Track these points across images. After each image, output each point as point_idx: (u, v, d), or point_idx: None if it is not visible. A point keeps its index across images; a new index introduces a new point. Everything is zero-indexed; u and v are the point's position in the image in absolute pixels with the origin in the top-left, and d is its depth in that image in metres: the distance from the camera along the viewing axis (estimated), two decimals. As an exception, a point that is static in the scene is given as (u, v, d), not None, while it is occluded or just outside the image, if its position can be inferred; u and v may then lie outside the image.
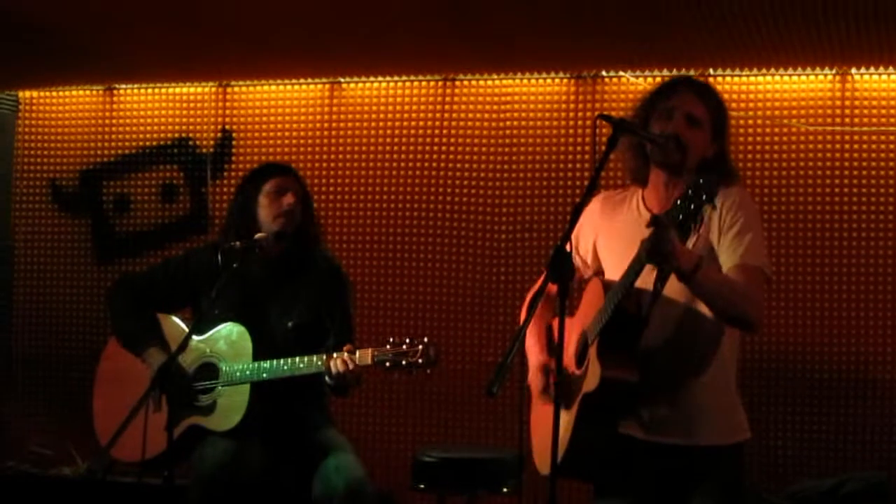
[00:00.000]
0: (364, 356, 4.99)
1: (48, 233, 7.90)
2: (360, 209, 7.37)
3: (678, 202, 3.64)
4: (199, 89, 7.67)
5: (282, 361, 5.13)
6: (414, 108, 7.31)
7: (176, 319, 5.55)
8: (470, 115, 7.22)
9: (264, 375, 5.16)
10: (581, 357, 4.13)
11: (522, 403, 4.51)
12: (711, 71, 6.70)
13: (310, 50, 6.73)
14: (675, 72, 6.65)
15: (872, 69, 6.57)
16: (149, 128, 7.75)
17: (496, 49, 6.55)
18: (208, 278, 5.21)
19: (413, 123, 7.31)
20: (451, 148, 7.24)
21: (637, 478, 4.15)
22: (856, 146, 6.63)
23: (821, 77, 6.68)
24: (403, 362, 4.96)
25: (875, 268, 6.58)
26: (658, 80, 6.55)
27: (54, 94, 7.92)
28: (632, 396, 4.02)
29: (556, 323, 4.11)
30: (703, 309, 3.99)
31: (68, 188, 7.88)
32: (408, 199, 7.30)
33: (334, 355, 5.01)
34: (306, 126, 7.47)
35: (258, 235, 5.21)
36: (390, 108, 7.35)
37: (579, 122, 7.02)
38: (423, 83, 7.30)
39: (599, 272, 4.37)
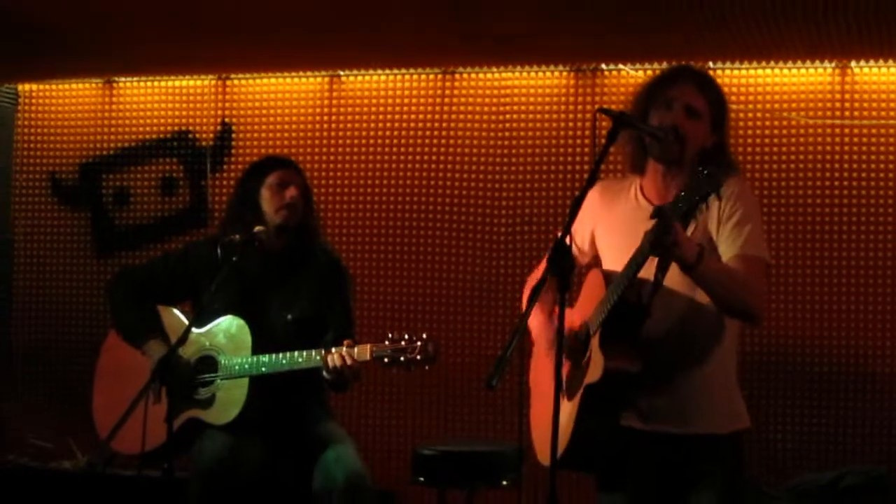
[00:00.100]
0: (363, 352, 4.99)
1: (48, 226, 7.90)
2: (359, 202, 7.37)
3: (683, 193, 3.63)
4: (199, 82, 7.67)
5: (280, 356, 5.13)
6: (413, 101, 7.31)
7: (176, 312, 5.55)
8: (469, 109, 7.22)
9: (263, 369, 5.16)
10: (583, 348, 4.12)
11: (522, 397, 4.51)
12: (711, 64, 6.68)
13: (309, 43, 6.73)
14: (674, 64, 6.63)
15: (872, 62, 6.57)
16: (148, 121, 7.75)
17: (496, 42, 6.54)
18: (208, 272, 5.20)
19: (412, 117, 7.30)
20: (451, 141, 7.24)
21: (637, 468, 4.15)
22: (855, 139, 6.63)
23: (820, 70, 6.68)
24: (402, 359, 4.95)
25: (875, 261, 6.59)
26: (658, 72, 6.57)
27: (54, 87, 7.92)
28: (634, 387, 4.02)
29: (556, 314, 4.12)
30: (705, 299, 3.98)
31: (68, 181, 7.88)
32: (407, 193, 7.30)
33: (332, 350, 5.01)
34: (306, 119, 7.47)
35: (257, 229, 5.20)
36: (390, 101, 7.35)
37: (579, 116, 7.02)
38: (423, 76, 7.30)
39: (596, 260, 4.38)
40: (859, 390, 6.57)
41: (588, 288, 4.20)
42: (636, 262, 3.81)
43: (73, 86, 7.88)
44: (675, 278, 3.88)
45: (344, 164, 7.40)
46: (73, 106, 7.89)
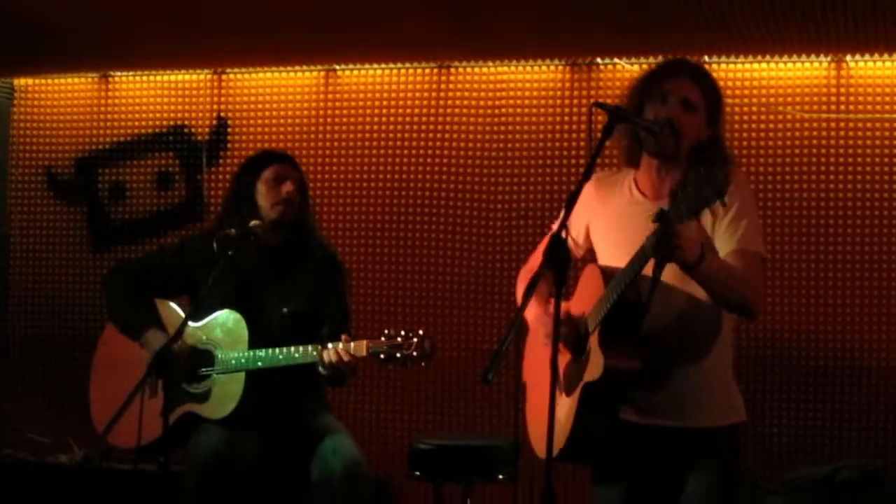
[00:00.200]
0: (359, 348, 4.99)
1: (44, 220, 7.90)
2: (355, 196, 7.37)
3: (685, 196, 3.59)
4: (195, 77, 7.67)
5: (277, 351, 5.13)
6: (409, 95, 7.31)
7: (173, 305, 5.55)
8: (465, 103, 7.22)
9: (259, 364, 5.16)
10: (581, 345, 4.12)
11: (518, 391, 4.51)
12: (706, 58, 6.68)
13: (305, 37, 6.72)
14: (670, 58, 6.64)
15: (867, 56, 6.58)
16: (144, 115, 7.75)
17: (491, 36, 6.55)
18: (204, 266, 5.20)
19: (408, 111, 7.30)
20: (447, 135, 7.24)
21: (634, 461, 4.16)
22: (850, 133, 6.63)
23: (816, 64, 6.69)
24: (398, 355, 4.96)
25: (870, 255, 6.59)
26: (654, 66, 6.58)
27: (49, 81, 7.92)
28: (633, 383, 4.02)
29: (551, 306, 4.12)
30: (702, 294, 3.98)
31: (64, 176, 7.87)
32: (403, 187, 7.30)
33: (329, 346, 5.01)
34: (301, 113, 7.47)
35: (253, 223, 5.19)
36: (385, 95, 7.35)
37: (574, 110, 7.02)
38: (419, 70, 7.30)
39: (591, 254, 4.37)
40: (855, 384, 6.58)
41: (585, 283, 4.20)
42: (637, 263, 3.79)
43: (69, 80, 7.88)
44: (672, 274, 3.88)
45: (340, 159, 7.40)
46: (69, 100, 7.88)
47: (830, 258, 6.64)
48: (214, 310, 5.35)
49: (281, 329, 5.30)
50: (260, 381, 5.18)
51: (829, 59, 6.64)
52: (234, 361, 5.22)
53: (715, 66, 6.70)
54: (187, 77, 7.68)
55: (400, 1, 5.91)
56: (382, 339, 4.98)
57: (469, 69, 7.22)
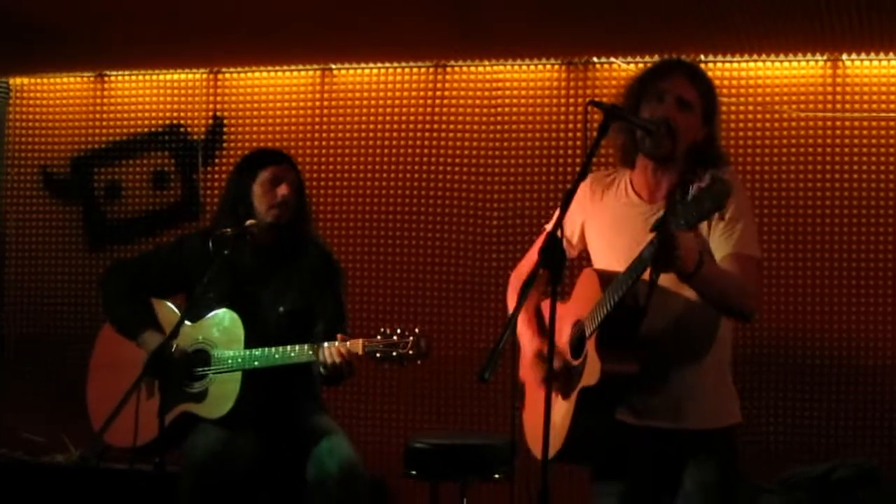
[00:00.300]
0: (354, 347, 4.98)
1: (39, 220, 7.90)
2: (351, 196, 7.37)
3: (682, 206, 3.55)
4: (190, 76, 7.66)
5: (273, 350, 5.13)
6: (405, 94, 7.31)
7: (170, 305, 5.54)
8: (461, 102, 7.22)
9: (255, 363, 5.16)
10: (577, 347, 4.12)
11: (514, 390, 4.51)
12: (703, 57, 6.69)
13: (301, 36, 6.72)
14: (666, 57, 6.62)
15: (864, 55, 6.58)
16: (140, 114, 7.75)
17: (487, 35, 6.55)
18: (200, 264, 5.19)
19: (404, 110, 7.31)
20: (443, 134, 7.24)
21: (633, 461, 4.16)
22: (847, 132, 6.64)
23: (812, 63, 6.69)
24: (394, 353, 4.95)
25: (867, 253, 6.60)
26: (649, 65, 6.58)
27: (45, 80, 7.91)
28: (631, 388, 4.02)
29: (545, 306, 4.12)
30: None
31: (59, 175, 7.87)
32: (399, 186, 7.30)
33: (326, 345, 5.00)
34: (297, 113, 7.47)
35: (249, 222, 5.19)
36: (381, 94, 7.35)
37: (570, 109, 7.02)
38: (415, 70, 7.30)
39: (585, 254, 4.37)
40: (851, 383, 6.59)
41: (582, 287, 4.19)
42: (635, 270, 3.77)
43: (65, 79, 7.88)
44: (669, 277, 3.87)
45: (336, 158, 7.40)
46: (65, 99, 7.88)
47: (826, 257, 6.64)
48: (211, 309, 5.35)
49: (277, 328, 5.30)
50: (256, 381, 5.18)
51: (825, 58, 6.64)
52: (230, 361, 5.21)
53: (711, 66, 6.71)
54: (183, 76, 7.68)
55: (396, 0, 5.91)
56: (378, 337, 4.97)
57: (465, 68, 7.22)
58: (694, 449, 4.10)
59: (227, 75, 7.59)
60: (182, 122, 7.67)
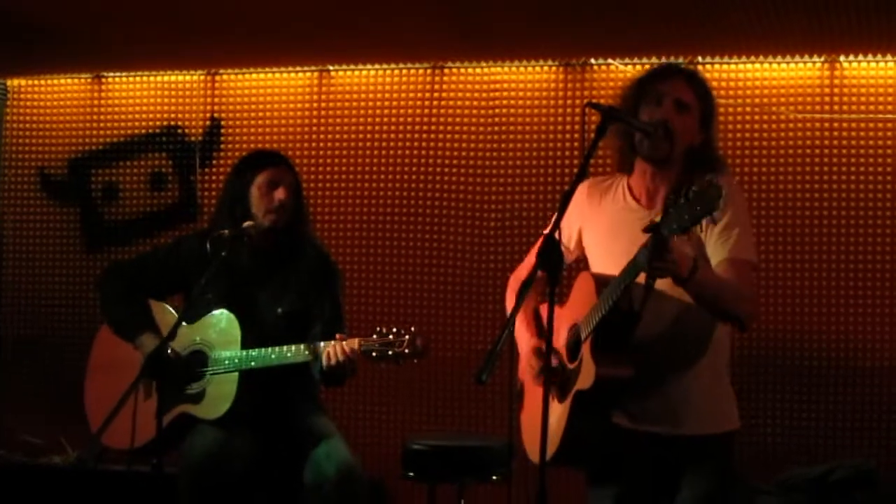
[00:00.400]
0: (351, 346, 4.98)
1: (37, 221, 7.89)
2: (348, 197, 7.37)
3: (675, 211, 3.56)
4: (188, 77, 7.66)
5: (269, 350, 5.13)
6: (403, 95, 7.31)
7: (167, 306, 5.54)
8: (459, 103, 7.22)
9: (252, 364, 5.15)
10: (573, 351, 4.12)
11: (512, 391, 4.51)
12: (700, 58, 6.70)
13: (298, 37, 6.72)
14: (663, 59, 6.66)
15: (861, 56, 6.58)
16: (137, 116, 7.74)
17: (485, 36, 6.55)
18: (198, 265, 5.18)
19: (402, 111, 7.30)
20: (440, 135, 7.24)
21: (630, 466, 4.16)
22: (844, 133, 6.64)
23: (809, 64, 6.69)
24: (390, 352, 4.94)
25: (864, 255, 6.60)
26: (647, 67, 6.56)
27: (42, 82, 7.91)
28: (626, 391, 4.02)
29: (543, 309, 4.12)
30: (695, 301, 3.99)
31: (57, 176, 7.86)
32: (397, 187, 7.30)
33: (331, 343, 4.99)
34: (295, 114, 7.47)
35: (246, 224, 5.18)
36: (379, 95, 7.35)
37: (568, 110, 7.03)
38: (412, 71, 7.30)
39: (582, 259, 4.37)
40: (849, 385, 6.59)
41: (578, 291, 4.19)
42: (630, 274, 3.78)
43: (62, 81, 7.87)
44: (665, 282, 3.87)
45: (333, 159, 7.40)
46: (62, 101, 7.88)
47: (823, 258, 6.65)
48: (208, 310, 5.34)
49: (275, 329, 5.29)
50: (253, 382, 5.17)
51: (822, 59, 6.65)
52: (227, 361, 5.21)
53: (709, 67, 6.72)
54: (180, 78, 7.67)
55: (393, 1, 5.91)
56: (374, 336, 4.97)
57: (462, 69, 7.22)
58: (691, 455, 4.10)
59: (225, 76, 7.59)
60: (179, 123, 7.67)
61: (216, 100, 7.60)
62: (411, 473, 5.89)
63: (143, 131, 7.73)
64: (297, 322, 5.32)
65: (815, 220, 6.66)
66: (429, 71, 7.27)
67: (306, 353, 5.05)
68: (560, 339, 4.19)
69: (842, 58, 6.62)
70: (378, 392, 7.24)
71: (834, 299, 6.62)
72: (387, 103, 7.33)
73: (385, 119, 7.33)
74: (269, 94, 7.51)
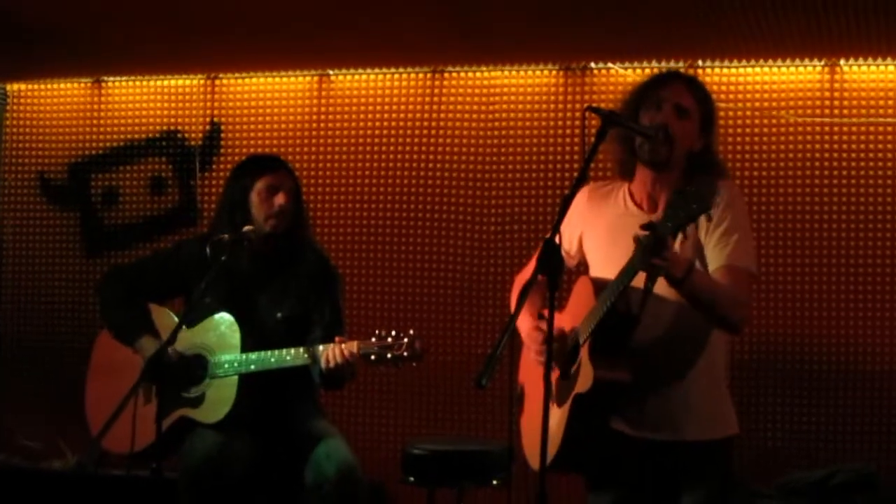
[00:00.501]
0: (350, 349, 4.98)
1: (37, 226, 7.89)
2: (348, 201, 7.36)
3: (671, 210, 3.60)
4: (188, 82, 7.66)
5: (269, 353, 5.13)
6: (403, 100, 7.30)
7: (167, 311, 5.54)
8: (459, 107, 7.22)
9: (252, 367, 5.16)
10: (572, 356, 4.12)
11: (512, 395, 4.51)
12: (700, 62, 6.70)
13: (298, 42, 6.72)
14: (663, 63, 6.66)
15: (861, 60, 6.58)
16: (137, 120, 7.74)
17: (485, 41, 6.55)
18: (199, 270, 5.18)
19: (402, 115, 7.30)
20: (440, 140, 7.24)
21: (629, 472, 4.16)
22: (845, 137, 6.64)
23: (809, 68, 6.69)
24: (389, 356, 4.94)
25: (864, 259, 6.59)
26: (647, 71, 6.61)
27: (42, 86, 7.91)
28: (624, 395, 4.01)
29: (546, 313, 4.12)
30: (693, 306, 3.99)
31: (57, 181, 7.86)
32: (396, 192, 7.30)
33: (330, 346, 5.00)
34: (295, 118, 7.47)
35: (246, 228, 5.19)
36: (379, 100, 7.34)
37: (568, 114, 7.02)
38: (412, 75, 7.30)
39: (584, 265, 4.37)
40: (849, 388, 6.58)
41: (577, 295, 4.20)
42: (627, 275, 3.79)
43: (62, 85, 7.87)
44: (664, 286, 3.88)
45: (333, 163, 7.40)
46: (62, 105, 7.87)
47: (824, 262, 6.64)
48: (208, 314, 5.34)
49: (274, 333, 5.29)
50: (253, 385, 5.18)
51: (822, 63, 6.64)
52: (226, 365, 5.21)
53: (709, 71, 6.72)
54: (180, 82, 7.67)
55: (393, 5, 5.90)
56: (373, 339, 4.97)
57: (462, 74, 7.22)
58: (691, 461, 4.11)
59: (225, 81, 7.59)
60: (179, 127, 7.66)
61: (216, 104, 7.59)
62: (411, 478, 5.88)
63: (143, 136, 7.73)
64: (296, 326, 5.32)
65: (815, 223, 6.65)
66: (429, 75, 7.26)
67: (305, 356, 5.06)
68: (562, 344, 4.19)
69: (842, 61, 6.62)
70: (378, 396, 7.23)
71: (834, 303, 6.62)
72: (387, 107, 7.33)
73: (385, 123, 7.33)
74: (268, 99, 7.51)
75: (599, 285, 4.00)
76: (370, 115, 7.35)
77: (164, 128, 7.69)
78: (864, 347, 6.56)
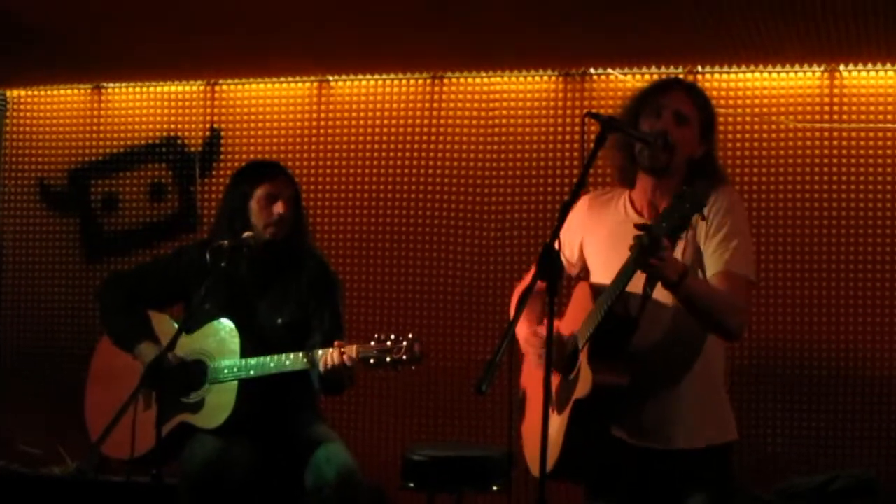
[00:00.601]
0: (349, 353, 4.98)
1: (36, 232, 7.90)
2: (348, 207, 7.37)
3: (666, 211, 3.61)
4: (188, 88, 7.66)
5: (268, 358, 5.13)
6: (402, 105, 7.31)
7: (167, 317, 5.54)
8: (458, 113, 7.22)
9: (251, 372, 5.16)
10: (571, 361, 4.12)
11: (512, 401, 4.51)
12: (700, 68, 6.70)
13: (298, 48, 6.72)
14: (663, 69, 6.67)
15: (861, 66, 6.58)
16: (137, 126, 7.74)
17: (484, 46, 6.55)
18: (198, 276, 5.19)
19: (401, 121, 7.30)
20: (440, 146, 7.24)
21: (628, 480, 4.16)
22: (844, 143, 6.64)
23: (809, 74, 6.69)
24: (388, 359, 4.94)
25: (864, 264, 6.59)
26: (647, 77, 6.61)
27: (42, 93, 7.91)
28: (623, 400, 4.01)
29: (544, 323, 4.12)
30: (692, 312, 3.99)
31: (56, 187, 7.87)
32: (396, 197, 7.30)
33: (321, 351, 5.00)
34: (295, 124, 7.47)
35: (246, 234, 5.19)
36: (378, 105, 7.35)
37: (567, 120, 7.02)
38: (412, 81, 7.30)
39: (585, 273, 4.37)
40: (849, 394, 6.58)
41: (576, 301, 4.20)
42: (624, 277, 3.79)
43: (62, 91, 7.88)
44: (664, 291, 3.87)
45: (333, 169, 7.40)
46: (62, 112, 7.88)
47: (824, 267, 6.64)
48: (208, 320, 5.34)
49: (274, 338, 5.29)
50: (253, 391, 5.18)
51: (822, 68, 6.65)
52: (226, 370, 5.21)
53: (709, 77, 6.72)
54: (180, 88, 7.68)
55: (393, 12, 5.91)
56: (372, 343, 4.97)
57: (462, 79, 7.22)
58: (690, 469, 4.10)
59: (225, 87, 7.59)
60: (179, 133, 7.67)
61: (216, 110, 7.60)
62: (411, 484, 5.88)
63: (143, 142, 7.73)
64: (296, 332, 5.32)
65: (815, 229, 6.65)
66: (428, 81, 7.27)
67: (304, 361, 5.05)
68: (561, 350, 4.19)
69: (842, 67, 6.62)
70: (378, 402, 7.23)
71: (834, 308, 6.62)
72: (386, 113, 7.33)
73: (384, 129, 7.33)
74: (268, 105, 7.51)
75: (598, 290, 4.00)
76: (370, 121, 7.35)
77: (164, 134, 7.70)
78: (864, 353, 6.56)
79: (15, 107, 7.96)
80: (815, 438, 6.60)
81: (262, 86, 7.53)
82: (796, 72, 6.69)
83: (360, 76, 7.34)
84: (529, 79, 7.11)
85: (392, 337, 4.95)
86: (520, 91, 7.13)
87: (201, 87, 7.63)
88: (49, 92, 7.90)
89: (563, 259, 4.33)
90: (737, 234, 4.02)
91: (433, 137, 7.25)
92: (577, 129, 6.95)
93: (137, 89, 7.75)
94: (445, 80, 7.24)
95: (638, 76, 6.79)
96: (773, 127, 6.72)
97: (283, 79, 7.47)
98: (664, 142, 4.05)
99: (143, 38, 6.48)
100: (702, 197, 3.56)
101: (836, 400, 6.59)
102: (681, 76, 6.35)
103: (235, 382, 5.18)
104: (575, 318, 4.11)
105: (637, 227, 3.68)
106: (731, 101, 6.73)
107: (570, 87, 7.04)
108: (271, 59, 7.05)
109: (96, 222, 7.79)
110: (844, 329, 6.59)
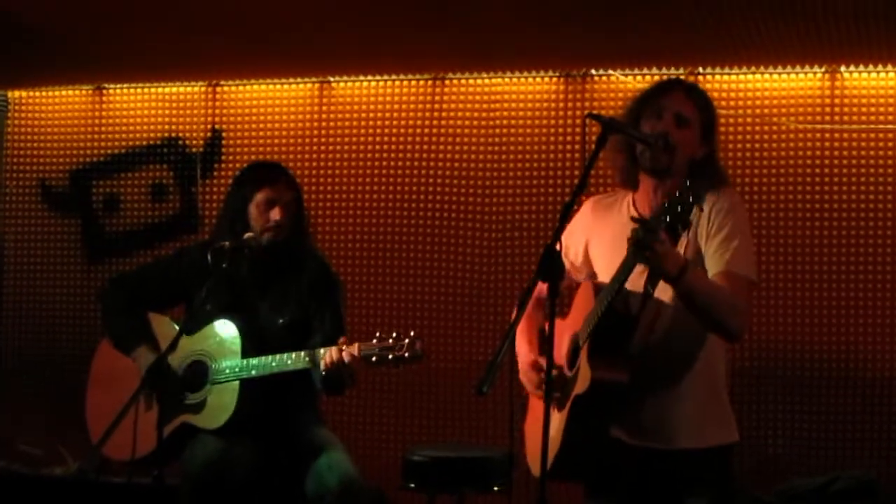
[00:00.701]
0: (350, 351, 4.98)
1: (38, 233, 7.90)
2: (349, 208, 7.37)
3: (665, 204, 3.62)
4: (189, 89, 7.67)
5: (270, 358, 5.13)
6: (403, 107, 7.31)
7: (168, 319, 5.54)
8: (459, 115, 7.22)
9: (253, 372, 5.16)
10: (573, 359, 4.12)
11: (512, 402, 4.51)
12: (701, 69, 6.71)
13: (299, 49, 6.73)
14: (664, 70, 6.67)
15: (862, 67, 6.58)
16: (138, 127, 7.75)
17: (486, 48, 6.56)
18: (200, 277, 5.19)
19: (402, 122, 7.31)
20: (441, 147, 7.25)
21: (627, 480, 4.16)
22: (845, 144, 6.64)
23: (810, 75, 6.69)
24: (390, 356, 4.95)
25: (864, 265, 6.59)
26: (648, 78, 6.61)
27: (43, 93, 7.92)
28: (622, 398, 4.01)
29: (547, 325, 4.12)
30: (692, 312, 3.99)
31: (58, 188, 7.87)
32: (397, 198, 7.30)
33: (323, 350, 5.00)
34: (296, 125, 7.47)
35: (247, 235, 5.20)
36: (380, 107, 7.35)
37: (569, 121, 7.03)
38: (413, 82, 7.30)
39: (591, 277, 4.37)
40: (849, 395, 6.58)
41: (579, 300, 4.20)
42: (623, 270, 3.80)
43: (63, 92, 7.88)
44: (664, 290, 3.88)
45: (334, 171, 7.41)
46: (63, 113, 7.88)
47: (824, 269, 6.64)
48: (209, 321, 5.35)
49: (276, 339, 5.29)
50: (254, 391, 5.18)
51: (823, 69, 6.65)
52: (227, 371, 5.22)
53: (709, 78, 6.72)
54: (181, 89, 7.68)
55: (394, 13, 5.91)
56: (374, 341, 4.98)
57: (463, 81, 7.22)
58: (690, 470, 4.10)
59: (226, 88, 7.60)
60: (181, 134, 7.67)
61: (217, 111, 7.60)
62: (412, 484, 5.88)
63: (144, 143, 7.74)
64: (298, 333, 5.32)
65: (815, 230, 6.66)
66: (429, 82, 7.27)
67: (306, 359, 5.05)
68: (562, 352, 4.19)
69: (842, 68, 6.62)
70: (379, 402, 7.23)
71: (834, 310, 6.62)
72: (387, 114, 7.34)
73: (386, 130, 7.33)
74: (269, 106, 7.52)
75: (600, 289, 4.01)
76: (371, 122, 7.36)
77: (165, 135, 7.70)
78: (864, 354, 6.56)
79: (16, 108, 7.96)
80: (815, 440, 6.61)
81: (263, 87, 7.54)
82: (797, 73, 6.70)
83: (361, 77, 7.35)
84: (530, 80, 7.11)
85: (394, 335, 4.96)
86: (520, 92, 7.13)
87: (202, 88, 7.63)
88: (50, 93, 7.91)
89: (567, 262, 4.34)
90: (738, 235, 4.02)
91: (434, 138, 7.26)
92: (578, 130, 6.96)
93: (139, 90, 7.76)
94: (446, 81, 7.25)
95: (639, 77, 6.79)
96: (774, 128, 6.72)
97: (284, 80, 7.47)
98: (665, 143, 4.06)
99: (144, 39, 6.49)
100: (701, 189, 3.56)
101: (837, 401, 6.59)
102: (682, 77, 6.36)
103: (237, 383, 5.18)
104: (578, 318, 4.12)
105: (633, 219, 3.70)
106: (731, 102, 6.73)
107: (570, 88, 7.04)
108: (272, 60, 7.06)
109: (97, 223, 7.80)
110: (845, 330, 6.59)
